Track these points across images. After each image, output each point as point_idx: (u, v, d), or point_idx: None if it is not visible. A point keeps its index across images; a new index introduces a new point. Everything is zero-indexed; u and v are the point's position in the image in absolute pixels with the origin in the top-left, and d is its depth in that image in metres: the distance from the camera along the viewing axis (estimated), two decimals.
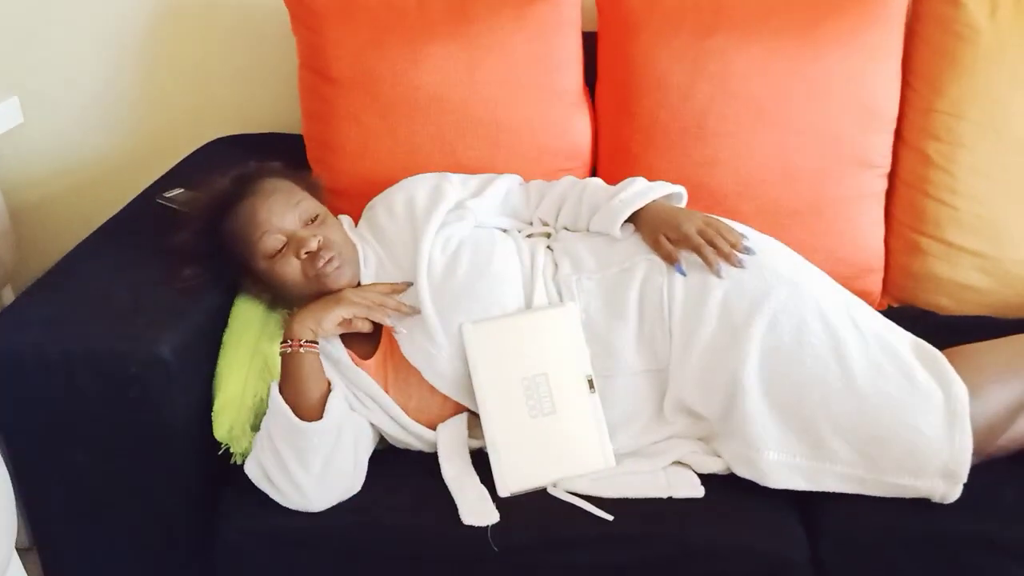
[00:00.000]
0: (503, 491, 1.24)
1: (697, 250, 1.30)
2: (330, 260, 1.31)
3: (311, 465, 1.20)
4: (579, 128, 1.62)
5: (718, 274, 1.28)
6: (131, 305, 1.29)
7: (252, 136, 1.83)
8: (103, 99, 1.88)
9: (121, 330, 1.24)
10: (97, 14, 1.81)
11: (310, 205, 1.36)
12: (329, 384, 1.27)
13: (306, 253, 1.30)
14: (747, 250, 1.30)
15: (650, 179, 1.44)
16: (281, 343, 1.27)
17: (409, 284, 1.35)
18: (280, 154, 1.56)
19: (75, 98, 1.88)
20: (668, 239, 1.32)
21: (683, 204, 1.43)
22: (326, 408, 1.23)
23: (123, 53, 1.84)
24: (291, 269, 1.31)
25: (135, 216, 1.55)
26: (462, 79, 1.56)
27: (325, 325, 1.27)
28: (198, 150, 1.78)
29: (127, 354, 1.21)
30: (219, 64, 1.85)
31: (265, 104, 1.87)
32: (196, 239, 1.35)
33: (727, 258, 1.29)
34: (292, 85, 1.67)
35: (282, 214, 1.32)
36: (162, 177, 1.67)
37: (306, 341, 1.26)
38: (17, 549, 1.26)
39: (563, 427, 1.27)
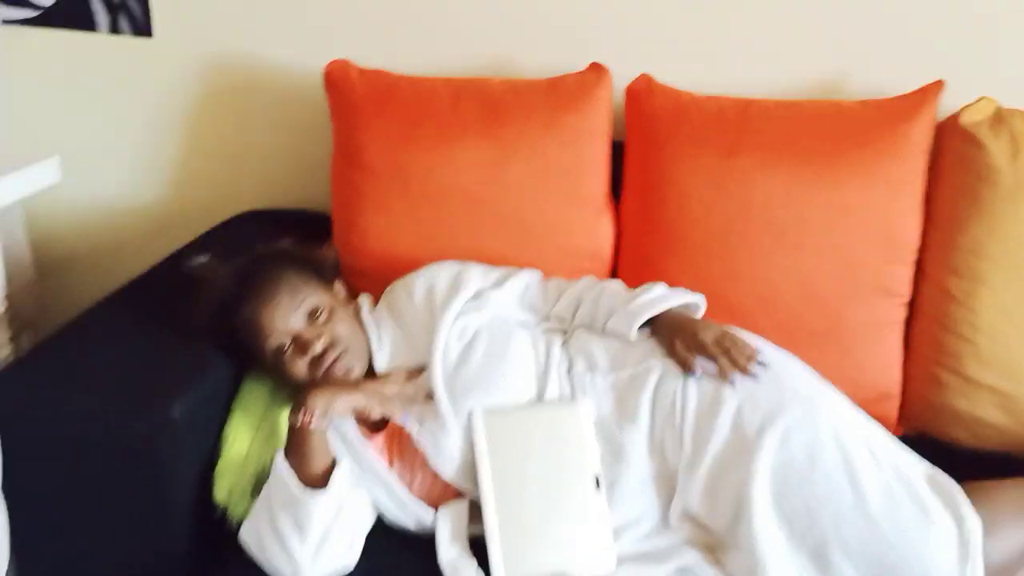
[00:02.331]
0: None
1: (712, 360, 1.29)
2: (337, 360, 1.31)
3: (308, 537, 1.18)
4: (602, 233, 1.64)
5: (732, 384, 1.27)
6: (144, 366, 1.30)
7: (282, 212, 1.86)
8: (141, 165, 1.93)
9: (132, 390, 1.24)
10: (144, 86, 1.87)
11: (314, 301, 1.34)
12: (334, 459, 1.26)
13: (312, 355, 1.31)
14: (761, 364, 1.30)
15: (669, 286, 1.45)
16: (291, 412, 1.26)
17: (422, 369, 1.35)
18: (307, 231, 1.59)
19: (113, 162, 1.92)
20: (684, 346, 1.32)
21: (700, 314, 1.44)
22: (331, 480, 1.21)
23: (166, 124, 1.90)
24: (298, 369, 1.32)
25: (158, 279, 1.56)
26: (492, 178, 1.59)
27: (337, 407, 1.27)
28: (228, 220, 1.81)
29: (136, 415, 1.21)
30: (258, 142, 1.89)
31: (298, 182, 1.91)
32: (206, 327, 1.35)
33: (742, 370, 1.28)
34: (326, 166, 1.71)
35: (285, 317, 1.32)
36: (190, 244, 1.69)
37: (307, 417, 1.24)
38: None
39: (566, 524, 1.24)
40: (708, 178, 1.56)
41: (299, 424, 1.24)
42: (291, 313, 1.32)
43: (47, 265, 1.97)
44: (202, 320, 1.35)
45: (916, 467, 1.26)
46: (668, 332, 1.36)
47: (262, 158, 1.91)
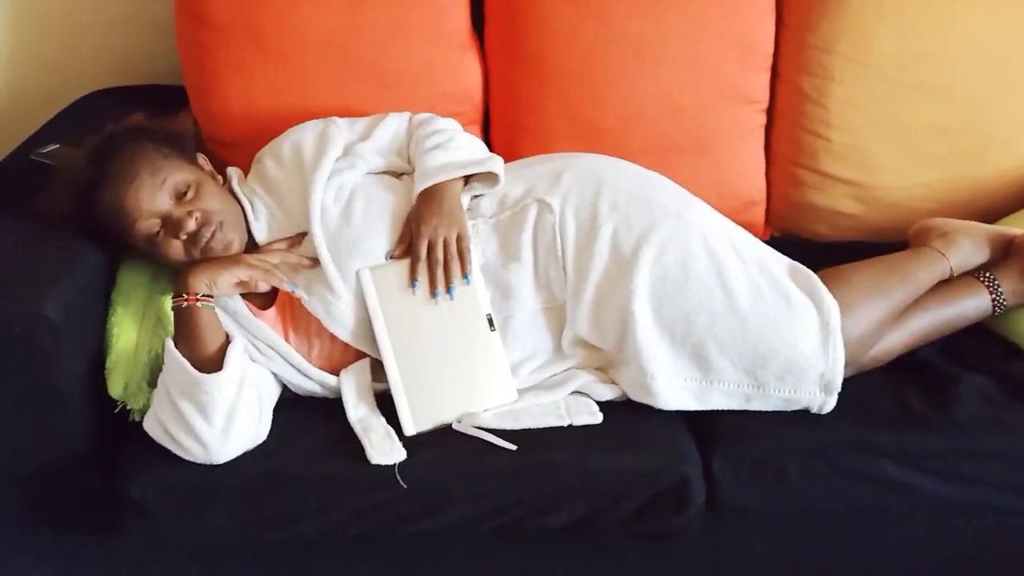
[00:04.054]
0: (409, 430, 1.26)
1: (413, 261, 1.28)
2: (212, 236, 1.28)
3: (213, 418, 1.19)
4: (469, 71, 1.62)
5: (434, 299, 1.28)
6: (10, 265, 1.24)
7: (131, 88, 1.76)
8: None
9: (2, 291, 1.20)
10: None
11: (178, 177, 1.29)
12: (227, 336, 1.26)
13: (185, 234, 1.27)
14: (465, 280, 1.29)
15: (538, 121, 1.46)
16: (174, 297, 1.24)
17: (304, 235, 1.34)
18: (162, 106, 1.51)
19: None
20: (412, 231, 1.30)
21: (500, 173, 1.36)
22: (226, 359, 1.21)
23: None
24: (173, 250, 1.28)
25: (9, 174, 1.48)
26: (347, 23, 1.54)
27: (220, 284, 1.25)
28: (74, 103, 1.71)
29: (7, 315, 1.17)
30: (93, 13, 1.76)
31: (145, 54, 1.80)
32: (68, 217, 1.29)
33: (433, 281, 1.28)
34: (172, 32, 1.61)
35: (151, 197, 1.26)
36: (37, 132, 1.60)
37: (202, 295, 1.23)
38: None
39: (465, 365, 1.30)
40: (569, 2, 1.55)
41: (183, 307, 1.23)
42: (156, 193, 1.27)
43: None
44: (62, 212, 1.30)
45: (777, 262, 1.35)
46: (419, 207, 1.32)
47: (101, 30, 1.78)
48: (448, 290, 1.28)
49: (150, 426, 1.23)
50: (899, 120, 1.59)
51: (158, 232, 1.28)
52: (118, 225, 1.28)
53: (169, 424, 1.20)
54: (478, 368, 1.30)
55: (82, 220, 1.29)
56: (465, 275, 1.30)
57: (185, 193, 1.29)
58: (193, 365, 1.20)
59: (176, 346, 1.22)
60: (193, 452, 1.20)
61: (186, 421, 1.19)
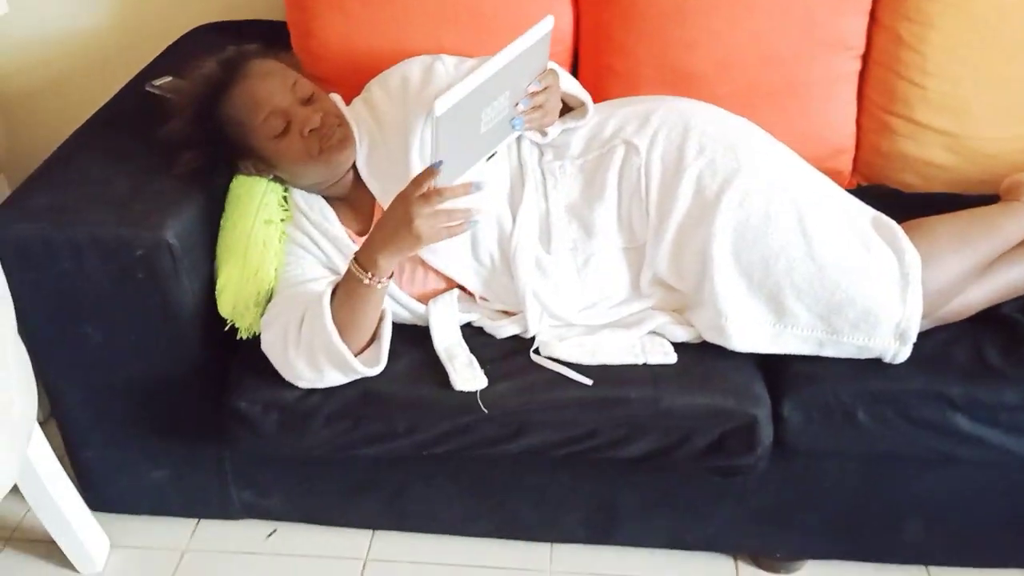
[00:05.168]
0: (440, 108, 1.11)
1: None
2: (333, 133, 1.34)
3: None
4: (560, 13, 1.63)
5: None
6: (131, 192, 1.34)
7: (236, 23, 1.83)
8: None
9: (124, 216, 1.29)
10: None
11: (305, 83, 1.38)
12: (381, 312, 1.29)
13: (309, 130, 1.34)
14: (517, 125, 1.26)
15: (627, 64, 1.46)
16: (359, 267, 1.23)
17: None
18: (264, 41, 1.58)
19: None
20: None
21: (590, 106, 1.40)
22: (381, 355, 1.28)
23: None
24: (295, 147, 1.34)
25: (126, 105, 1.57)
26: None
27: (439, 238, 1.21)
28: (183, 37, 1.78)
29: (132, 239, 1.27)
30: None
31: None
32: (189, 126, 1.37)
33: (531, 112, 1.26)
34: None
35: (282, 93, 1.34)
36: (149, 65, 1.68)
37: (385, 279, 1.24)
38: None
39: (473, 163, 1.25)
40: None
41: (364, 284, 1.23)
42: (286, 91, 1.35)
43: (9, 101, 1.95)
44: (187, 115, 1.36)
45: (861, 212, 1.35)
46: None
47: None
48: (519, 124, 1.25)
49: (270, 347, 1.29)
50: (998, 70, 1.54)
51: (284, 129, 1.34)
52: (245, 122, 1.33)
53: (301, 366, 1.27)
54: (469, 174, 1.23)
55: (206, 124, 1.35)
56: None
57: (309, 98, 1.37)
58: (344, 332, 1.24)
59: (335, 314, 1.24)
60: (306, 385, 1.29)
61: (323, 376, 1.27)
